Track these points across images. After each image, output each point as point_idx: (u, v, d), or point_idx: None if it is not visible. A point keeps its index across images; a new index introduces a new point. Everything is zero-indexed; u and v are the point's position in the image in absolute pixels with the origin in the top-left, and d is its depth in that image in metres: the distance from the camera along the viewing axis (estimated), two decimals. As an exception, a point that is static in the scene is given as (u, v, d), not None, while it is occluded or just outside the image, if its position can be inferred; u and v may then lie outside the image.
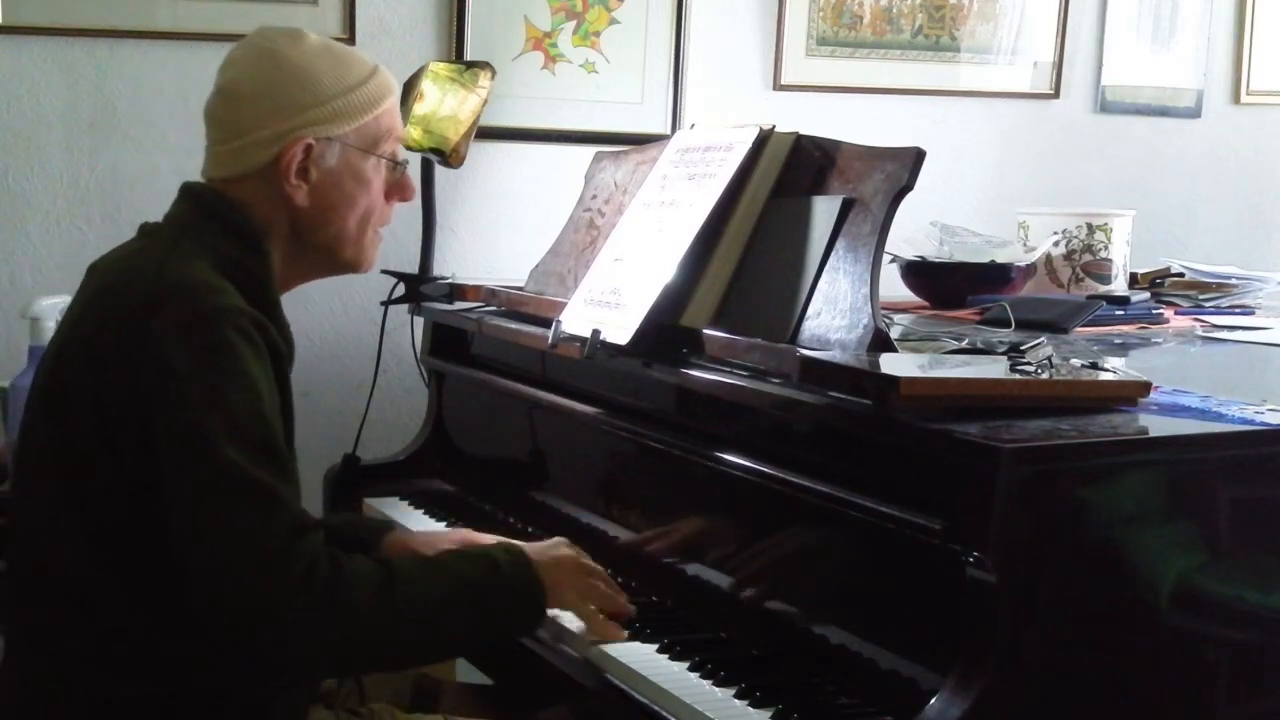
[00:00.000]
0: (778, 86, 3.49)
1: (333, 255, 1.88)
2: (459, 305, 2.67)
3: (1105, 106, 3.87)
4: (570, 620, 1.88)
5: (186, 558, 1.63)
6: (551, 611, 1.86)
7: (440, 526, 2.39)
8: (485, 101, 2.72)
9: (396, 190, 1.90)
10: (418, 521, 2.43)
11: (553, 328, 2.16)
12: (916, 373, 1.67)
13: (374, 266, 1.95)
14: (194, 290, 1.68)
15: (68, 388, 1.71)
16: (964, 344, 2.05)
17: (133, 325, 1.66)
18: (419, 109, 2.65)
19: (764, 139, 2.11)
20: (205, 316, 1.66)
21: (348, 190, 1.84)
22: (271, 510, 1.63)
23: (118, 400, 1.66)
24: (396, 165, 1.89)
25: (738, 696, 1.67)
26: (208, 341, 1.64)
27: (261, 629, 1.62)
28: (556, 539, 1.94)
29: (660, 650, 1.81)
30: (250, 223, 1.80)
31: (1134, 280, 3.14)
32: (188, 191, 1.85)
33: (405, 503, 2.55)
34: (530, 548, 1.88)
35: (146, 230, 1.85)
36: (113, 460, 1.66)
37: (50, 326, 2.50)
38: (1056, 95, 3.79)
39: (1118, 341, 2.46)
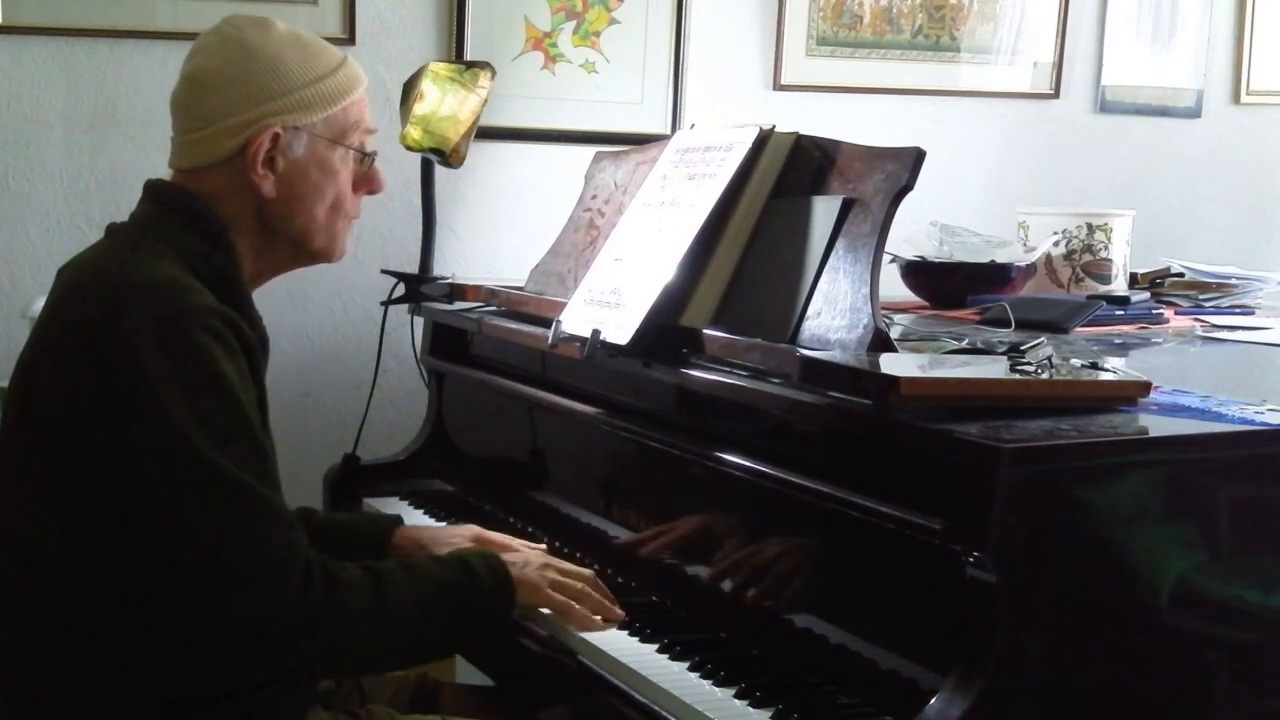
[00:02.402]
0: (778, 86, 3.49)
1: (302, 245, 1.86)
2: (459, 305, 2.66)
3: (1105, 106, 3.87)
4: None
5: (181, 562, 1.63)
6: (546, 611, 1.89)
7: (441, 527, 2.39)
8: (485, 101, 2.72)
9: (365, 182, 1.90)
10: (418, 522, 2.42)
11: (553, 328, 2.16)
12: (916, 373, 1.67)
13: (346, 254, 1.93)
14: (161, 290, 1.67)
15: (39, 392, 1.70)
16: (964, 344, 2.05)
17: (101, 327, 1.65)
18: (419, 109, 2.65)
19: (764, 139, 2.11)
20: (174, 318, 1.65)
21: (315, 180, 1.82)
22: (262, 511, 1.63)
23: (89, 403, 1.65)
24: (365, 157, 1.88)
25: (738, 696, 1.67)
26: (180, 345, 1.63)
27: (262, 631, 1.63)
28: (533, 551, 1.99)
29: (660, 650, 1.81)
30: (214, 215, 1.78)
31: (1134, 280, 3.14)
32: (150, 189, 1.84)
33: (405, 503, 2.55)
34: (504, 554, 1.93)
35: (111, 230, 1.84)
36: (88, 463, 1.65)
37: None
38: (1056, 95, 3.79)
39: (1118, 341, 2.46)
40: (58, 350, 1.70)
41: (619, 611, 1.90)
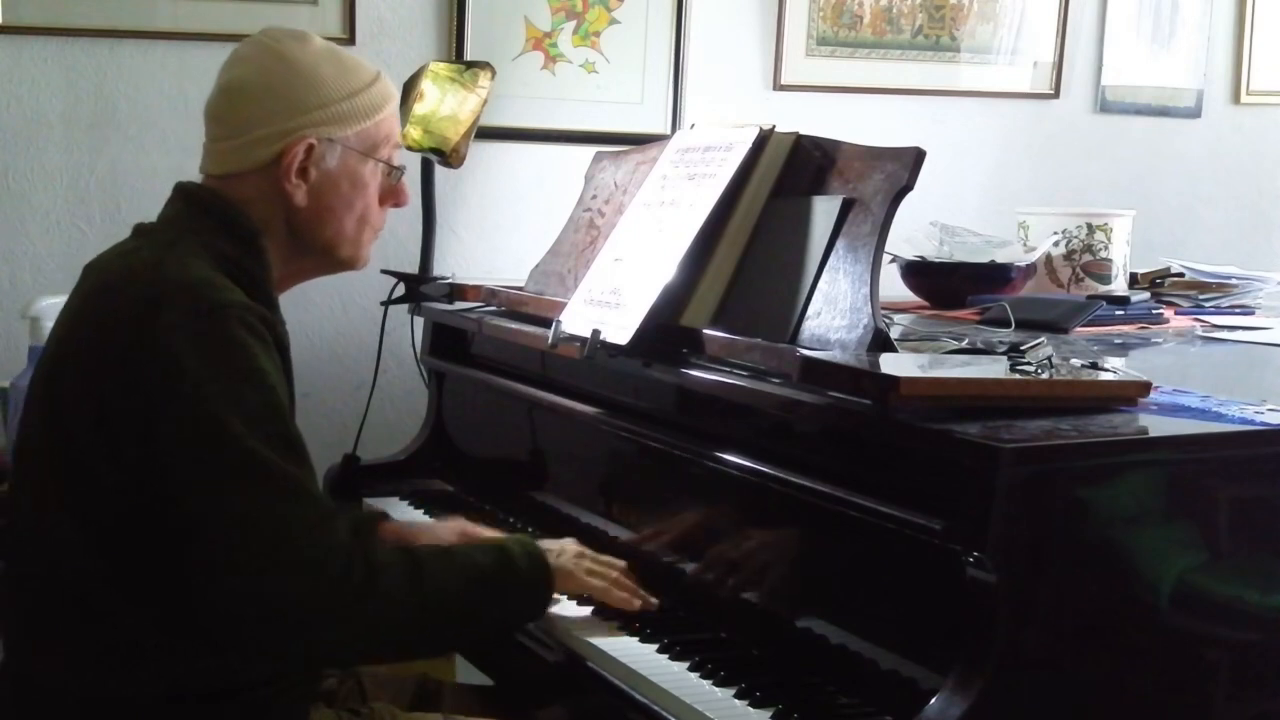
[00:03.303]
0: (778, 86, 3.49)
1: (329, 254, 1.89)
2: (459, 305, 2.67)
3: (1105, 106, 3.87)
4: (572, 611, 1.92)
5: (220, 555, 1.63)
6: (554, 610, 1.91)
7: (427, 521, 2.40)
8: (485, 101, 2.72)
9: (391, 195, 1.92)
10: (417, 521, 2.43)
11: (553, 328, 2.16)
12: (916, 373, 1.67)
13: (368, 264, 1.95)
14: (196, 287, 1.68)
15: (67, 388, 1.71)
16: (964, 344, 2.05)
17: (135, 324, 1.66)
18: (419, 109, 2.65)
19: (764, 139, 2.11)
20: (211, 314, 1.66)
21: (345, 192, 1.84)
22: (302, 501, 1.64)
23: (119, 399, 1.65)
24: (393, 170, 1.90)
25: (738, 696, 1.67)
26: (217, 339, 1.65)
27: (302, 619, 1.63)
28: (567, 539, 1.99)
29: (660, 650, 1.81)
30: (246, 220, 1.80)
31: (1134, 280, 3.14)
32: (182, 191, 1.85)
33: (405, 503, 2.55)
34: (541, 540, 1.94)
35: (141, 230, 1.85)
36: (114, 460, 1.66)
37: (50, 326, 2.50)
38: (1056, 95, 3.79)
39: (1118, 341, 2.46)
40: (88, 346, 1.71)
41: (652, 600, 1.92)
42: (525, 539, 1.91)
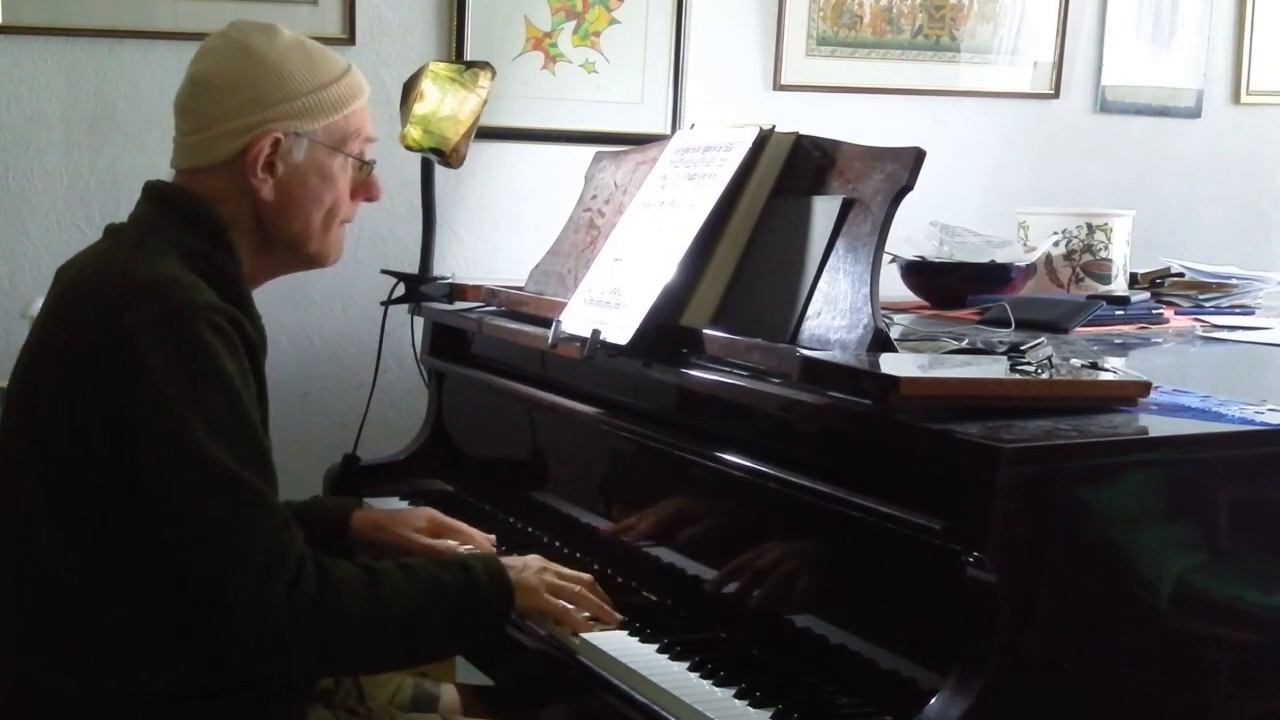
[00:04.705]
0: (778, 86, 3.49)
1: (298, 250, 1.88)
2: (459, 305, 2.67)
3: (1105, 106, 3.87)
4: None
5: (176, 556, 1.64)
6: None
7: (398, 508, 2.40)
8: (485, 101, 2.72)
9: (363, 189, 1.91)
10: (418, 521, 2.43)
11: (553, 328, 2.16)
12: (916, 373, 1.67)
13: (340, 259, 1.94)
14: (163, 287, 1.68)
15: (39, 390, 1.71)
16: (964, 344, 2.05)
17: (103, 325, 1.66)
18: (419, 109, 2.65)
19: (764, 139, 2.11)
20: (177, 314, 1.66)
21: (313, 186, 1.84)
22: (258, 509, 1.64)
23: (88, 399, 1.66)
24: (364, 165, 1.89)
25: (738, 696, 1.67)
26: (182, 340, 1.64)
27: (254, 627, 1.63)
28: (531, 554, 1.98)
29: (660, 650, 1.81)
30: (214, 215, 1.80)
31: (1134, 280, 3.14)
32: (150, 189, 1.85)
33: (405, 503, 2.54)
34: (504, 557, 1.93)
35: (111, 230, 1.85)
36: (88, 459, 1.66)
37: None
38: (1056, 95, 3.79)
39: (1118, 341, 2.46)
40: (59, 348, 1.71)
41: (616, 615, 1.90)
42: (488, 555, 1.91)
